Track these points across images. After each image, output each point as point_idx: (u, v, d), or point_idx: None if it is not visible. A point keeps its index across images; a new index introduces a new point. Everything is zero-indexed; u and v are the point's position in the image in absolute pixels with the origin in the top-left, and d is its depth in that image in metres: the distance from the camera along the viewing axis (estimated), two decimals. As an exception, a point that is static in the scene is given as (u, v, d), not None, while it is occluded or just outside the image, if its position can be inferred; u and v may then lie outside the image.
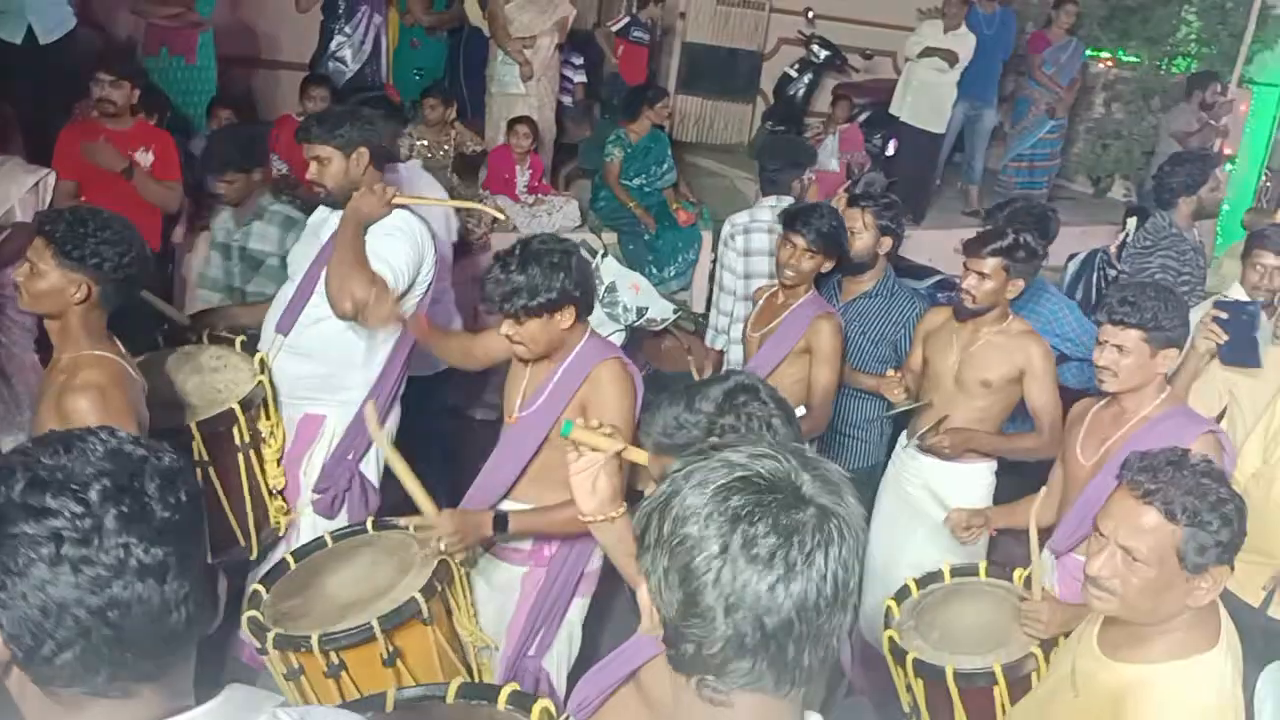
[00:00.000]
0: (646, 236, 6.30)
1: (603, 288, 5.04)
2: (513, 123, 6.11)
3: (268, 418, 3.17)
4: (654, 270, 6.19)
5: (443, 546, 2.53)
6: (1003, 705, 2.25)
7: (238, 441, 3.03)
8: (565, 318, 2.59)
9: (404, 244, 3.14)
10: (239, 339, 3.30)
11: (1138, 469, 1.86)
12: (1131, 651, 1.90)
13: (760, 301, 3.69)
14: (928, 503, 3.41)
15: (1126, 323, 2.65)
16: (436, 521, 2.52)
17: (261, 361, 3.18)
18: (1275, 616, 2.96)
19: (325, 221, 3.28)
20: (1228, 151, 7.73)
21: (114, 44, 6.17)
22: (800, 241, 3.38)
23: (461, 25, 6.71)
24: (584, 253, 5.10)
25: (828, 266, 3.45)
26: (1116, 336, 2.67)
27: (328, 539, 2.82)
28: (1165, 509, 1.80)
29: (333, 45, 6.10)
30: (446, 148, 6.04)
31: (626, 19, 7.99)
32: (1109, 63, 8.95)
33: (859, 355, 3.72)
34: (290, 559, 2.76)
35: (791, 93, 8.75)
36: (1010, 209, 4.20)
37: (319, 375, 3.22)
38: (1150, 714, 1.79)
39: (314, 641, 2.36)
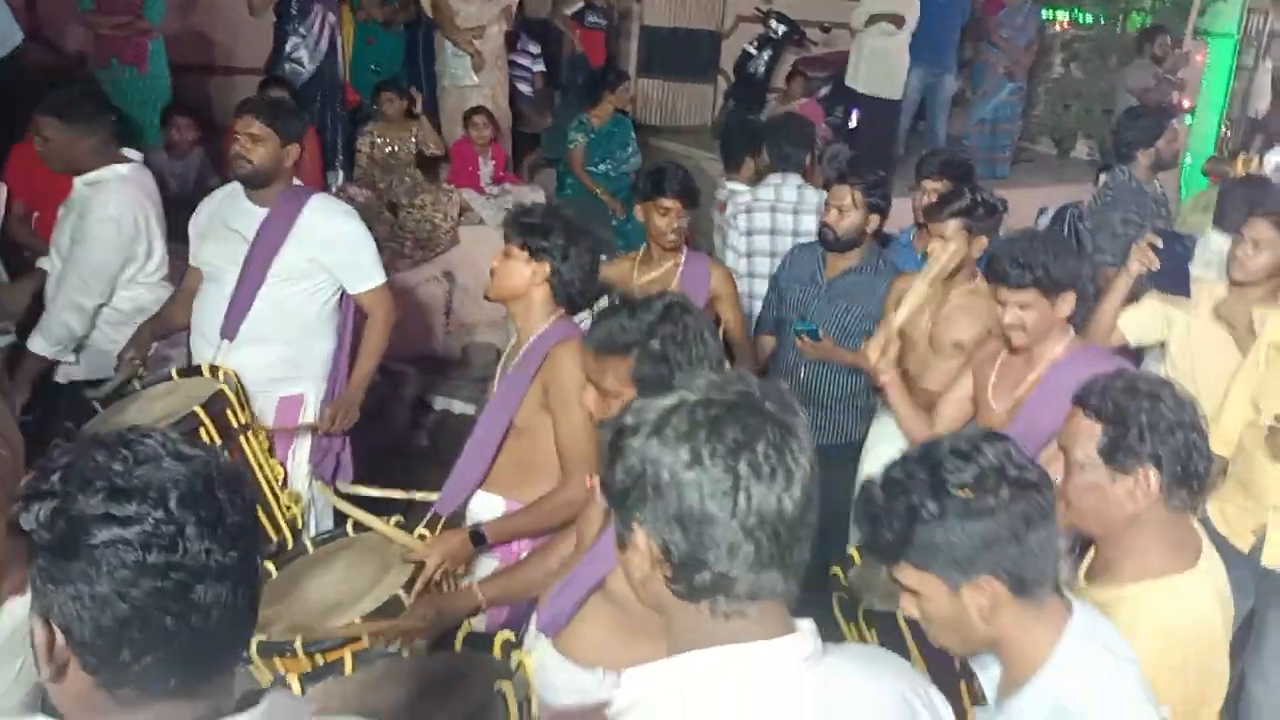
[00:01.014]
0: (615, 221, 6.30)
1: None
2: (469, 114, 6.09)
3: (241, 414, 3.14)
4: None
5: (435, 576, 2.54)
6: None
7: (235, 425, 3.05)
8: (539, 272, 2.66)
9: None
10: (173, 369, 3.28)
11: (1087, 391, 1.91)
12: (1106, 575, 1.93)
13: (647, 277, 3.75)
14: None
15: (1022, 284, 2.71)
16: (421, 556, 2.54)
17: (213, 369, 3.17)
18: (1265, 564, 2.99)
19: (239, 213, 3.29)
20: (1186, 104, 7.78)
21: (64, 58, 6.11)
22: (669, 204, 3.54)
23: (418, 19, 6.67)
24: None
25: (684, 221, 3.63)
26: (1015, 296, 2.74)
27: (308, 544, 2.82)
28: (1094, 410, 1.87)
29: (288, 47, 6.04)
30: (411, 144, 6.02)
31: (581, 3, 7.96)
32: (1065, 24, 9.02)
33: (844, 332, 3.69)
34: (272, 566, 2.75)
35: (752, 70, 8.72)
36: (938, 160, 4.24)
37: (286, 356, 3.28)
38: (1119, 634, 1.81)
39: (298, 646, 2.35)
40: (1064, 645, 1.51)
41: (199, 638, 1.02)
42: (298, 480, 3.37)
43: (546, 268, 2.66)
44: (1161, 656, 1.76)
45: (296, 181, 3.38)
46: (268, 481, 3.16)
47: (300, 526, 3.25)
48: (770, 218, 4.23)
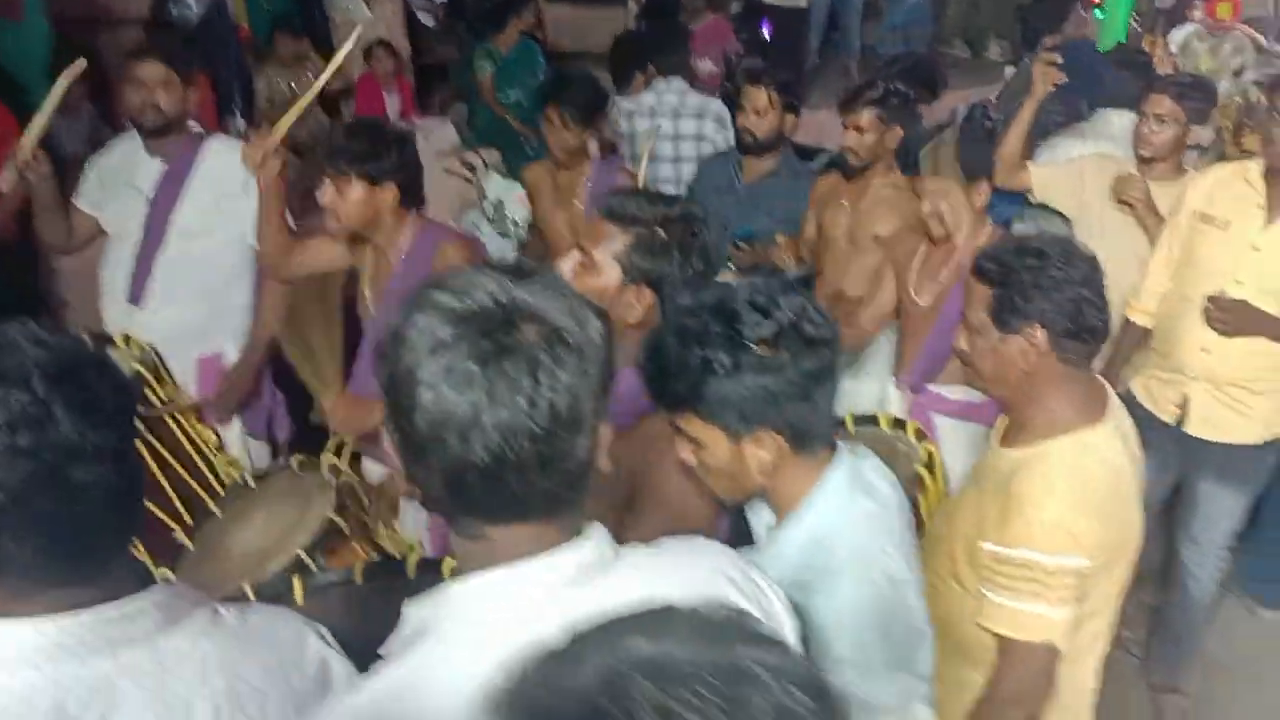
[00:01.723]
0: (530, 150, 6.16)
1: (489, 204, 4.93)
2: (369, 48, 5.91)
3: (161, 390, 2.99)
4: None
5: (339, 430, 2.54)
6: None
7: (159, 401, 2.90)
8: (386, 195, 2.60)
9: None
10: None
11: (982, 255, 1.94)
12: (1019, 435, 1.95)
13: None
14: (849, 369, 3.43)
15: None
16: (327, 409, 2.54)
17: (126, 339, 3.00)
18: (1190, 433, 3.04)
19: (136, 167, 3.12)
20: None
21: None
22: (556, 117, 3.54)
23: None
24: (464, 169, 5.02)
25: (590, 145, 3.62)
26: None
27: (214, 508, 2.72)
28: (984, 273, 1.90)
29: (174, -10, 5.78)
30: (310, 82, 5.81)
31: None
32: (971, -77, 8.95)
33: (765, 236, 3.68)
34: (186, 540, 2.65)
35: (662, -9, 8.57)
36: (897, 65, 4.20)
37: (200, 313, 3.14)
38: (1035, 486, 1.82)
39: (249, 592, 2.28)
40: (823, 486, 1.52)
41: (81, 521, 1.02)
42: (233, 443, 3.26)
43: (393, 190, 2.60)
44: (1077, 506, 1.80)
45: (194, 127, 3.23)
46: (199, 450, 3.02)
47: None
48: (650, 123, 4.22)
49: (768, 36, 7.37)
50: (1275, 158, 2.83)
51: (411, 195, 2.66)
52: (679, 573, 1.12)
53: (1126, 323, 3.19)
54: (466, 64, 6.57)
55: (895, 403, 2.99)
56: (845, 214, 3.40)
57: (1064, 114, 3.94)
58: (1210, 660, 3.46)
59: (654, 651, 0.66)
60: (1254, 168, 2.96)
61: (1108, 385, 2.02)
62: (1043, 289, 1.83)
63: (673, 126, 4.26)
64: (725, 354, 1.41)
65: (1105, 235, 3.31)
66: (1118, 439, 1.91)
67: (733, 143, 4.03)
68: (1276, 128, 2.79)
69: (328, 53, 6.23)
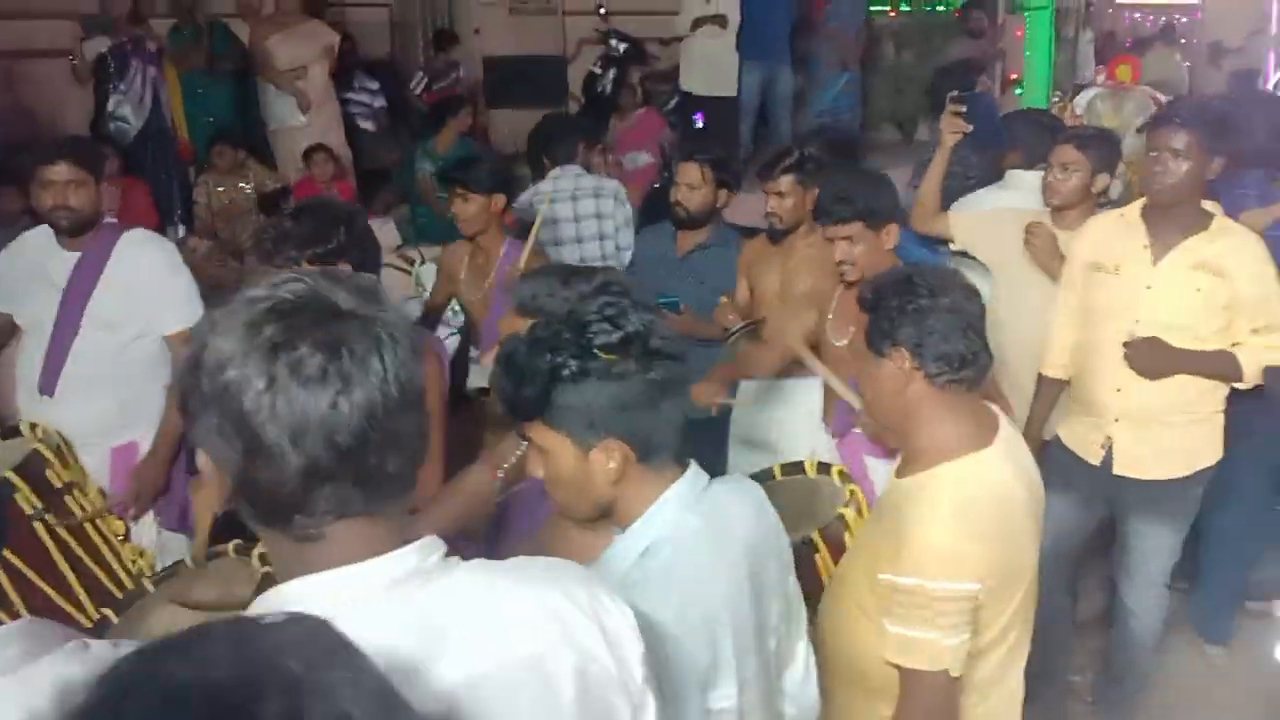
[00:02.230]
0: (473, 245, 6.24)
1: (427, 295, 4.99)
2: (308, 152, 6.03)
3: (63, 473, 2.96)
4: (485, 276, 6.14)
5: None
6: (827, 571, 2.28)
7: (30, 511, 2.80)
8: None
9: None
10: None
11: (864, 287, 2.00)
12: (910, 466, 1.97)
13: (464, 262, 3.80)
14: (779, 424, 3.46)
15: (845, 217, 2.84)
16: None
17: (32, 426, 2.97)
18: (1117, 473, 3.07)
19: (49, 259, 3.11)
20: (1013, 75, 8.11)
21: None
22: (457, 190, 3.60)
23: (247, 65, 6.59)
24: (401, 263, 5.08)
25: (499, 203, 3.62)
26: (841, 231, 2.86)
27: (147, 584, 2.65)
28: (861, 300, 1.97)
29: (110, 105, 5.92)
30: (247, 191, 5.91)
31: (424, 77, 8.03)
32: (893, 13, 9.36)
33: (701, 305, 3.74)
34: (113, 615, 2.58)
35: (600, 90, 8.81)
36: (815, 136, 4.37)
37: (113, 406, 3.11)
38: (921, 513, 1.83)
39: None
40: (663, 501, 1.51)
41: None
42: (144, 532, 3.19)
43: (347, 270, 2.59)
44: (963, 531, 1.81)
45: (110, 219, 3.26)
46: (103, 537, 2.98)
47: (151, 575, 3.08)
48: (549, 209, 4.32)
49: (701, 126, 7.57)
50: (1156, 195, 2.93)
51: (367, 272, 2.62)
52: (514, 586, 1.11)
53: (1041, 378, 3.24)
54: (408, 165, 6.72)
55: (825, 447, 3.01)
56: (775, 275, 3.50)
57: (979, 173, 4.07)
58: (1159, 701, 3.44)
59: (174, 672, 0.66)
60: (1131, 211, 3.05)
61: (1000, 413, 2.04)
62: (907, 314, 1.89)
63: (571, 209, 4.39)
64: (573, 360, 1.43)
65: (1027, 286, 3.40)
66: (1008, 463, 1.93)
67: (630, 217, 4.41)
68: (1156, 166, 2.89)
69: (265, 161, 6.40)
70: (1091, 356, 3.09)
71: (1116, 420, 3.05)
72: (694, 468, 1.57)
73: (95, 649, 1.13)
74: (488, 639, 1.04)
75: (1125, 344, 2.93)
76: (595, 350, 1.43)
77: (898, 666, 1.83)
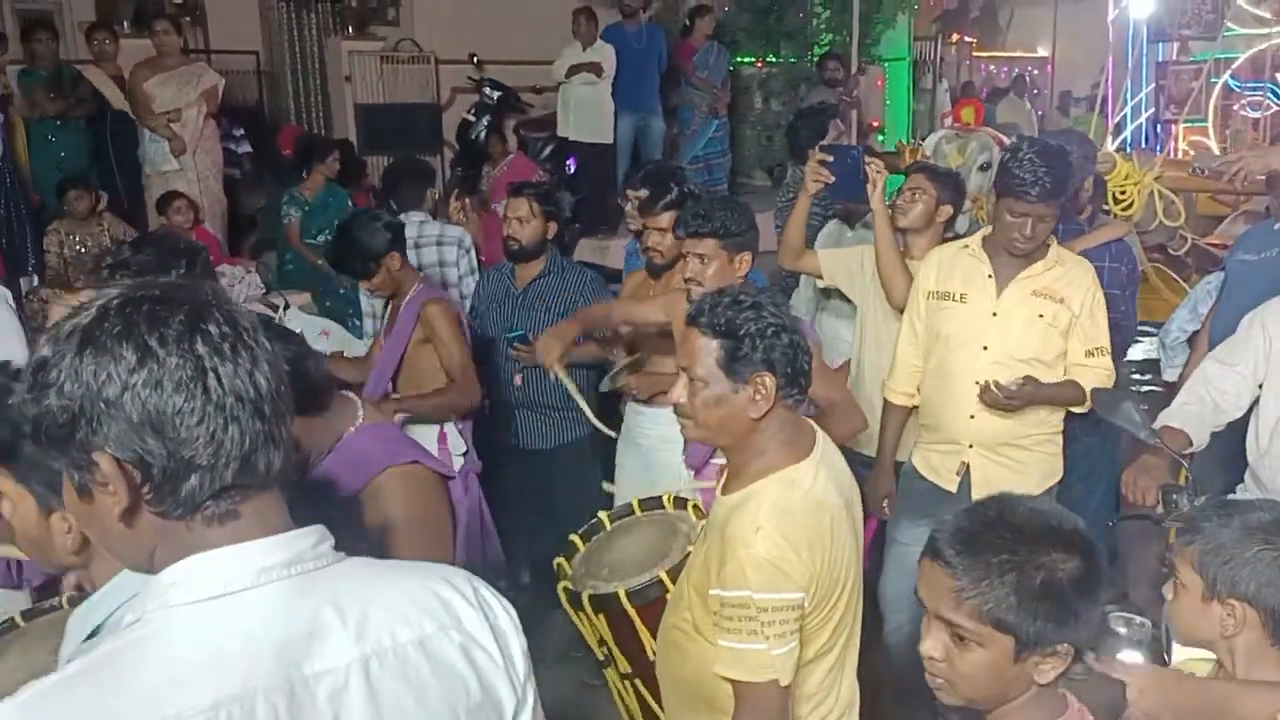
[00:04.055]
0: (343, 290, 6.12)
1: (293, 343, 4.88)
2: (165, 199, 5.86)
3: None
4: (357, 322, 6.02)
5: None
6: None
7: None
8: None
9: None
10: None
11: (697, 311, 1.98)
12: (734, 482, 1.99)
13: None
14: (659, 451, 3.45)
15: (701, 233, 2.88)
16: None
17: None
18: (975, 498, 3.12)
19: None
20: (874, 123, 8.46)
21: None
22: None
23: (101, 111, 6.39)
24: (265, 309, 4.96)
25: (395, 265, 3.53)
26: (697, 246, 2.91)
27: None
28: (707, 326, 1.93)
29: (-47, 154, 5.64)
30: (103, 239, 5.71)
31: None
32: (760, 64, 9.66)
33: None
34: None
35: (474, 137, 8.85)
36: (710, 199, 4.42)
37: None
38: (744, 526, 1.85)
39: None
40: None
41: None
42: None
43: None
44: (784, 540, 1.83)
45: None
46: None
47: None
48: (415, 255, 4.31)
49: (573, 170, 7.66)
50: (1001, 230, 3.05)
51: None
52: (402, 574, 1.14)
53: (887, 404, 3.31)
54: (274, 211, 6.58)
55: (686, 482, 3.02)
56: (655, 309, 3.50)
57: (839, 213, 4.20)
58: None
59: None
60: (973, 242, 3.17)
61: (817, 427, 2.07)
62: (766, 337, 1.90)
63: (415, 258, 4.30)
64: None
65: (890, 319, 3.49)
66: (824, 473, 1.96)
67: (475, 267, 4.45)
68: (1001, 212, 3.00)
69: (139, 204, 6.19)
70: (941, 383, 3.16)
71: (971, 446, 3.13)
72: None
73: None
74: (380, 619, 1.05)
75: (980, 392, 2.99)
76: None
77: (731, 680, 1.84)
